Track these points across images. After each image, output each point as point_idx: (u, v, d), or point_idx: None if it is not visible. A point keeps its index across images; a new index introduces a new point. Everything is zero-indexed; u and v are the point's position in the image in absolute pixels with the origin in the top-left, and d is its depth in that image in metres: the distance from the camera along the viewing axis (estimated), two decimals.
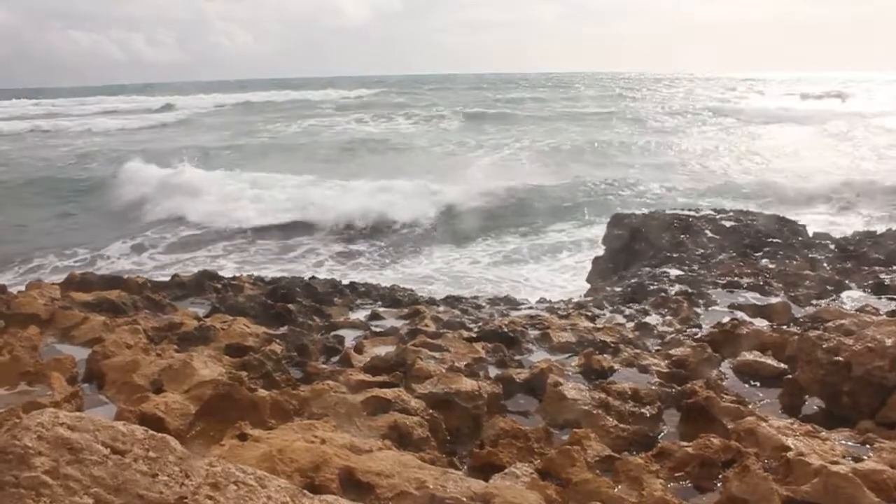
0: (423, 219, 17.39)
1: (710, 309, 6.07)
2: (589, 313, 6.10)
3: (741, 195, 19.45)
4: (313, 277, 7.31)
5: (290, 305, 5.57)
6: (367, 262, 14.32)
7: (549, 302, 7.11)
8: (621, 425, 3.39)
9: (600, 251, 10.76)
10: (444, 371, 3.88)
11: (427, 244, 15.63)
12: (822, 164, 22.54)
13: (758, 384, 4.19)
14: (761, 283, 6.66)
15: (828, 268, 7.19)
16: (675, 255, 8.29)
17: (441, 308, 6.27)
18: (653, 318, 5.88)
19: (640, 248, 9.37)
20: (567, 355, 4.72)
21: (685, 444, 3.01)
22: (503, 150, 29.02)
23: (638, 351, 4.74)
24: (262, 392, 3.29)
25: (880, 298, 6.10)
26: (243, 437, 2.70)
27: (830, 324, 4.48)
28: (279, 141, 35.10)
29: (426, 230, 16.86)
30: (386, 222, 17.21)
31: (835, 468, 2.50)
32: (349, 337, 5.10)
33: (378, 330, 5.34)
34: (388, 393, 3.39)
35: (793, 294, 6.29)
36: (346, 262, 14.38)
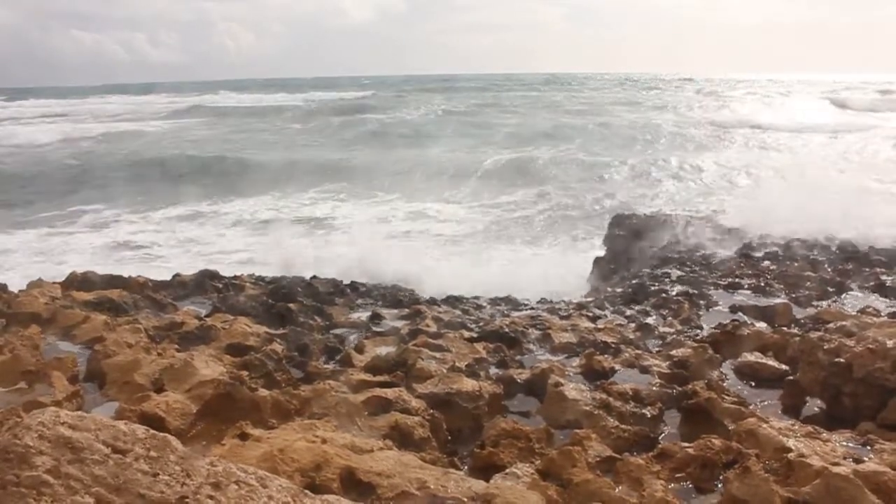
0: None
1: (711, 310, 6.07)
2: (590, 314, 6.10)
3: None
4: (314, 277, 7.30)
5: (291, 305, 5.57)
6: None
7: (551, 302, 7.11)
8: (622, 426, 3.38)
9: (601, 252, 10.75)
10: (445, 371, 3.88)
11: None
12: None
13: (759, 385, 4.18)
14: (762, 284, 6.66)
15: (829, 269, 7.19)
16: (675, 256, 8.29)
17: (442, 308, 6.27)
18: (654, 319, 5.87)
19: (641, 248, 9.37)
20: (568, 356, 4.72)
21: (686, 444, 3.01)
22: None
23: (639, 352, 4.73)
24: (263, 392, 3.29)
25: (882, 299, 6.10)
26: (244, 436, 2.70)
27: (831, 325, 4.48)
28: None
29: None
30: None
31: (836, 470, 2.50)
32: (350, 337, 5.10)
33: (379, 330, 5.34)
34: (388, 393, 3.39)
35: (794, 295, 6.28)
36: None
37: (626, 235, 9.95)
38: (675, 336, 5.26)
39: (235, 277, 6.80)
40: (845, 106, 44.21)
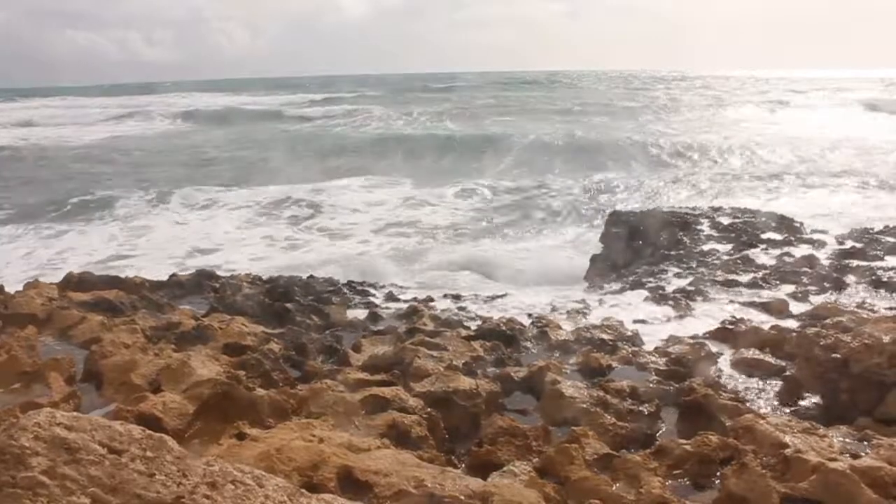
0: None
1: (708, 306, 6.07)
2: (587, 311, 6.10)
3: None
4: (311, 276, 7.30)
5: (288, 304, 5.57)
6: None
7: (548, 299, 7.11)
8: (620, 423, 3.39)
9: (598, 249, 10.74)
10: (442, 370, 3.88)
11: None
12: None
13: (756, 381, 4.19)
14: (759, 280, 6.66)
15: (826, 264, 7.19)
16: (673, 253, 8.29)
17: (439, 306, 6.27)
18: (651, 316, 5.88)
19: (638, 245, 9.37)
20: (565, 353, 4.72)
21: (683, 441, 3.01)
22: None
23: (636, 348, 4.74)
24: (261, 391, 3.29)
25: (878, 294, 6.11)
26: (241, 436, 2.70)
27: (828, 321, 4.49)
28: None
29: None
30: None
31: (833, 465, 2.51)
32: (347, 336, 5.09)
33: (376, 329, 5.33)
34: (386, 392, 3.39)
35: (791, 291, 6.29)
36: None
37: (623, 232, 9.94)
38: (672, 333, 5.27)
39: (232, 277, 6.79)
40: (879, 109, 38.15)
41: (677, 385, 3.89)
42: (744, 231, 8.91)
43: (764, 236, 8.62)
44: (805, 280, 6.60)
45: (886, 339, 3.56)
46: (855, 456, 2.69)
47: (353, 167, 23.54)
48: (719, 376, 4.22)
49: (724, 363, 4.48)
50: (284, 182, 20.20)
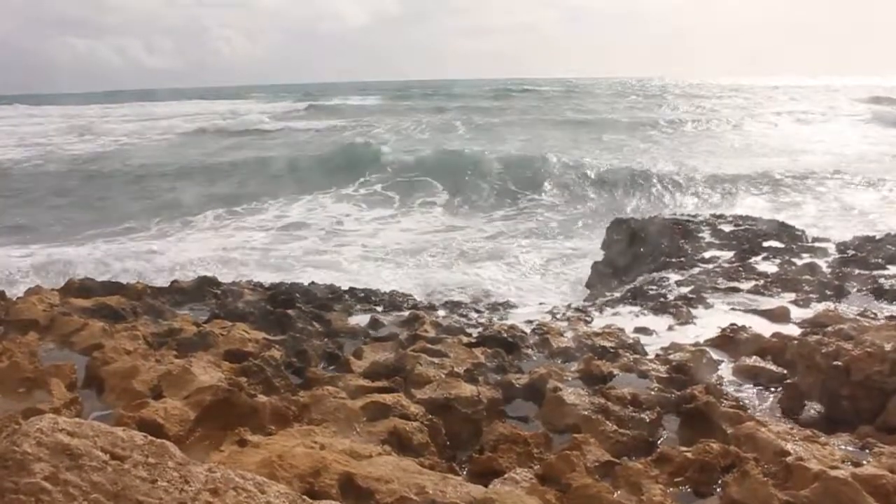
0: None
1: (709, 313, 6.07)
2: (588, 318, 6.11)
3: None
4: (313, 283, 7.31)
5: (289, 311, 5.57)
6: None
7: (549, 307, 7.11)
8: (621, 430, 3.38)
9: (599, 256, 10.76)
10: (443, 376, 3.88)
11: None
12: None
13: (757, 389, 4.19)
14: (761, 287, 6.66)
15: (827, 272, 7.19)
16: (674, 260, 8.30)
17: (441, 313, 6.28)
18: (652, 323, 5.88)
19: (639, 252, 9.38)
20: (566, 360, 4.72)
21: (685, 449, 3.01)
22: None
23: (637, 356, 4.74)
24: (262, 398, 3.29)
25: (879, 302, 6.10)
26: (243, 442, 2.70)
27: (830, 328, 4.50)
28: None
29: None
30: None
31: (834, 473, 2.51)
32: (349, 342, 5.10)
33: (378, 335, 5.33)
34: (387, 398, 3.39)
35: (792, 298, 6.29)
36: None
37: (624, 239, 9.95)
38: (673, 340, 5.27)
39: (234, 283, 6.80)
40: (890, 122, 33.67)
41: (678, 392, 3.88)
42: (744, 238, 8.92)
43: (765, 244, 8.63)
44: (806, 287, 6.60)
45: (888, 346, 3.56)
46: (857, 464, 2.69)
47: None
48: (720, 384, 4.22)
49: (726, 370, 4.47)
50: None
